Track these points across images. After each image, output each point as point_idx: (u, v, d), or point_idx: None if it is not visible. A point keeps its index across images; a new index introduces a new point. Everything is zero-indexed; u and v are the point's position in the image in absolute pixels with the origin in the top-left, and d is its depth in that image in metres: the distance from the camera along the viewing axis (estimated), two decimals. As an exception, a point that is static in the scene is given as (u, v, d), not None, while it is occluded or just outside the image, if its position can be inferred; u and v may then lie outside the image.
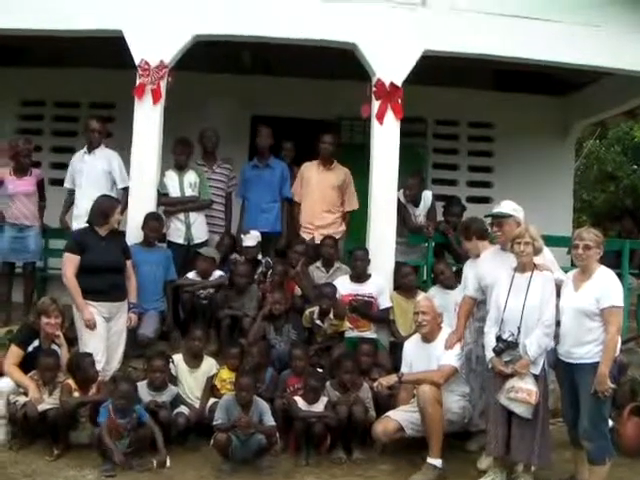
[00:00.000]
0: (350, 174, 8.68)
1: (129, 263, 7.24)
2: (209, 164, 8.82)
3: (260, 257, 8.29)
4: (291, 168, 9.01)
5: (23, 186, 8.33)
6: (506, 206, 6.41)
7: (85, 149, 8.17)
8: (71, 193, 8.28)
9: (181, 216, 8.20)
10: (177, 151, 8.34)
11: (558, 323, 5.72)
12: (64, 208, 8.41)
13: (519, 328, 5.70)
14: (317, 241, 8.38)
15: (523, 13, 8.01)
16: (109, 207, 7.11)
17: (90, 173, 8.05)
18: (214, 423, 6.08)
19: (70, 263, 6.90)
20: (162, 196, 8.14)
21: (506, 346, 5.72)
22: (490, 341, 5.86)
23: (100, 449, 5.90)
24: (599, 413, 5.53)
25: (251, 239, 8.20)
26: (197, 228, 8.27)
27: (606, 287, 5.53)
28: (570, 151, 12.35)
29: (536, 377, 5.68)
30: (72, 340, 6.89)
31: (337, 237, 8.42)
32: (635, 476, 6.26)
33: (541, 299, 5.72)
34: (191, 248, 8.11)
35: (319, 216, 8.56)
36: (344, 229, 8.69)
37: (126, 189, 7.99)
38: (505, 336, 5.73)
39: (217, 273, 7.87)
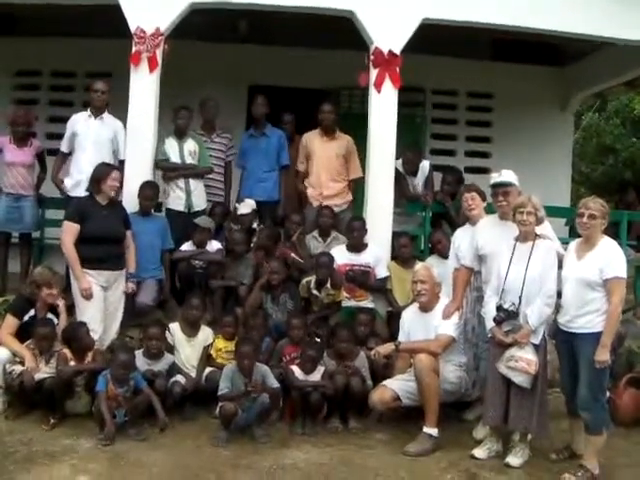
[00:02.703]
0: (353, 142, 8.64)
1: (129, 233, 7.22)
2: (208, 133, 8.82)
3: (255, 225, 8.26)
4: (292, 138, 8.98)
5: (22, 156, 8.25)
6: (508, 175, 6.36)
7: (89, 112, 7.99)
8: (64, 156, 8.16)
9: (181, 184, 8.16)
10: (179, 117, 8.27)
11: (559, 294, 5.71)
12: (56, 168, 8.24)
13: (520, 298, 5.68)
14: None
15: (522, -19, 7.95)
16: (102, 173, 7.05)
17: (95, 139, 7.89)
18: (219, 393, 6.09)
19: (69, 232, 6.87)
20: (163, 162, 8.11)
21: (507, 315, 5.70)
22: (490, 310, 5.84)
23: (99, 418, 5.90)
24: (598, 383, 5.52)
25: (245, 207, 8.21)
26: (197, 196, 8.24)
27: (610, 257, 5.50)
28: (569, 122, 12.30)
29: (536, 347, 5.68)
30: (69, 308, 6.88)
31: (344, 207, 8.46)
32: (631, 446, 6.29)
33: (542, 269, 5.69)
34: (191, 216, 8.07)
35: (326, 185, 8.53)
36: (351, 198, 8.67)
37: (124, 161, 7.93)
38: (506, 305, 5.71)
39: (214, 244, 7.87)
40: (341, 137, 8.63)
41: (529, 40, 9.15)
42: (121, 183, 7.37)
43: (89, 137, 7.91)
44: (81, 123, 7.98)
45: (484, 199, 6.77)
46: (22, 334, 6.51)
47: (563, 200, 10.88)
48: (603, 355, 5.38)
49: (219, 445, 5.87)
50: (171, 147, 8.21)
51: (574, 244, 5.80)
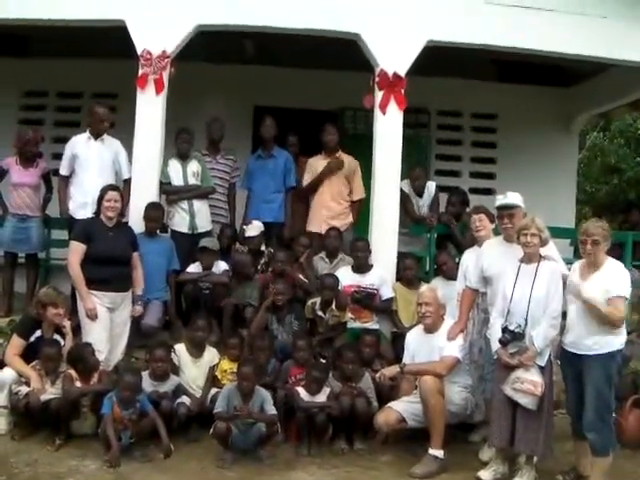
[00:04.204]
0: (357, 162, 8.69)
1: (136, 255, 7.23)
2: (213, 154, 8.85)
3: (263, 248, 8.27)
4: (297, 159, 9.03)
5: (28, 177, 8.29)
6: (514, 197, 6.36)
7: (88, 135, 7.98)
8: (65, 179, 8.08)
9: (185, 205, 8.17)
10: (180, 140, 8.31)
11: (564, 315, 5.71)
12: (63, 196, 8.14)
13: (525, 319, 5.69)
14: (320, 230, 8.41)
15: (527, 3, 8.00)
16: (100, 194, 7.12)
17: (98, 160, 7.88)
18: (215, 411, 6.09)
19: (76, 252, 6.90)
20: (164, 185, 8.12)
21: (512, 337, 5.70)
22: (496, 332, 5.84)
23: (104, 441, 5.90)
24: (604, 404, 5.52)
25: (253, 229, 8.21)
26: (201, 217, 8.24)
27: (615, 279, 5.52)
28: (574, 143, 12.34)
29: (542, 369, 5.67)
30: (74, 329, 6.88)
31: (343, 228, 8.45)
32: (637, 468, 6.27)
33: (547, 290, 5.70)
34: (195, 237, 8.08)
35: (326, 206, 8.57)
36: (351, 220, 8.70)
37: (128, 180, 7.95)
38: (511, 327, 5.70)
39: (221, 265, 7.86)
40: (344, 157, 8.67)
41: (534, 61, 9.18)
42: (127, 201, 7.40)
43: (91, 159, 7.89)
44: (81, 145, 7.96)
45: (492, 221, 6.76)
46: (28, 355, 6.50)
47: (568, 220, 10.88)
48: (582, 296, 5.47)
49: (224, 467, 5.87)
50: (174, 169, 8.23)
51: (578, 265, 5.80)
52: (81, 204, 7.79)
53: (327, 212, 8.57)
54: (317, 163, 8.68)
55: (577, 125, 12.18)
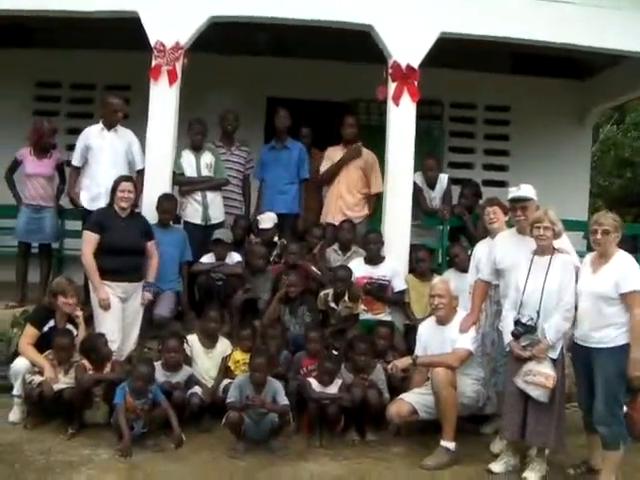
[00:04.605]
0: (375, 157, 8.68)
1: (151, 244, 7.26)
2: (227, 146, 8.85)
3: (276, 239, 8.29)
4: (309, 151, 9.03)
5: (42, 167, 8.33)
6: (527, 190, 6.34)
7: (102, 126, 8.00)
8: (77, 169, 8.12)
9: (198, 197, 8.18)
10: (193, 131, 8.30)
11: (576, 307, 5.69)
12: (72, 183, 8.17)
13: (538, 312, 5.67)
14: (335, 221, 8.42)
15: (541, -5, 7.96)
16: (113, 185, 7.17)
17: (111, 151, 7.90)
18: (227, 401, 6.11)
19: (89, 242, 6.94)
20: (178, 176, 8.13)
21: (525, 330, 5.68)
22: (508, 324, 5.83)
23: (117, 430, 5.93)
24: (615, 398, 5.50)
25: (267, 221, 8.22)
26: (214, 209, 8.25)
27: (626, 271, 5.48)
28: (587, 135, 12.27)
29: (554, 361, 5.66)
30: (87, 319, 6.92)
31: (358, 221, 8.47)
32: (649, 461, 6.26)
33: (560, 283, 5.68)
34: (208, 228, 8.10)
35: (342, 196, 8.60)
36: (367, 213, 8.71)
37: (142, 171, 7.99)
38: (524, 320, 5.69)
39: (234, 256, 7.88)
40: (363, 150, 8.66)
41: (547, 53, 9.14)
42: (141, 192, 7.44)
43: (105, 150, 7.91)
44: (95, 136, 7.98)
45: (506, 213, 6.74)
46: (42, 344, 6.54)
47: (581, 213, 10.83)
48: (637, 370, 5.38)
49: (236, 457, 5.89)
50: (188, 160, 8.24)
51: (589, 257, 5.79)
52: (95, 195, 7.79)
53: (342, 202, 8.59)
54: (335, 153, 8.71)
55: (591, 118, 12.13)
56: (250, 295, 7.61)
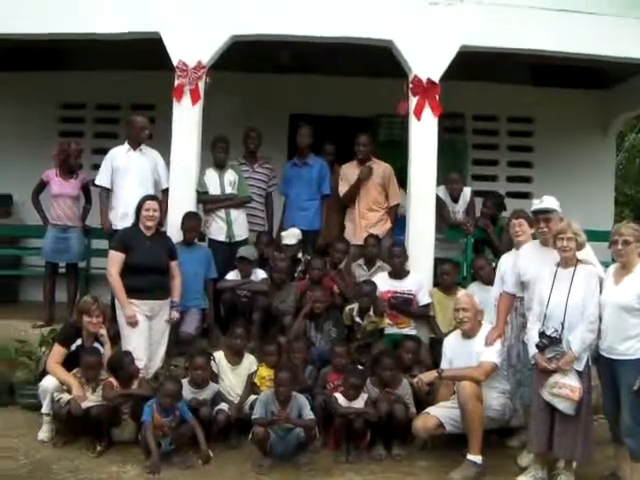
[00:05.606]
0: (391, 168, 8.69)
1: (174, 263, 7.29)
2: (250, 163, 8.91)
3: (300, 255, 8.33)
4: (332, 167, 9.05)
5: (68, 188, 8.40)
6: (550, 202, 6.34)
7: (127, 146, 8.11)
8: (107, 192, 8.14)
9: (222, 214, 8.23)
10: (217, 149, 8.36)
11: (600, 318, 5.67)
12: (104, 208, 8.15)
13: (562, 324, 5.66)
14: (361, 240, 8.37)
15: (562, 6, 7.95)
16: (138, 204, 7.21)
17: (138, 171, 7.99)
18: (253, 417, 6.14)
19: (115, 261, 7.00)
20: (202, 194, 8.18)
21: (549, 342, 5.68)
22: (533, 337, 5.82)
23: (145, 448, 5.98)
24: (640, 409, 5.48)
25: (291, 237, 8.26)
26: (238, 226, 8.30)
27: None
28: (611, 145, 12.19)
29: (580, 373, 5.64)
30: (114, 338, 6.97)
31: (382, 235, 8.45)
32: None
33: (584, 294, 5.66)
34: (232, 246, 8.14)
35: (364, 215, 8.59)
36: (389, 226, 8.68)
37: (167, 190, 8.06)
38: (549, 332, 5.68)
39: (260, 273, 7.91)
40: (378, 164, 8.67)
41: (570, 64, 9.11)
42: (166, 211, 7.50)
43: (131, 170, 8.00)
44: (121, 156, 8.08)
45: (532, 225, 6.71)
46: (70, 363, 6.60)
47: (606, 223, 10.71)
48: None
49: (262, 472, 5.90)
50: (211, 178, 8.29)
51: (612, 268, 5.79)
52: (122, 215, 7.85)
53: (365, 221, 8.58)
54: (349, 170, 8.71)
55: (614, 127, 12.06)
56: (274, 311, 7.64)
